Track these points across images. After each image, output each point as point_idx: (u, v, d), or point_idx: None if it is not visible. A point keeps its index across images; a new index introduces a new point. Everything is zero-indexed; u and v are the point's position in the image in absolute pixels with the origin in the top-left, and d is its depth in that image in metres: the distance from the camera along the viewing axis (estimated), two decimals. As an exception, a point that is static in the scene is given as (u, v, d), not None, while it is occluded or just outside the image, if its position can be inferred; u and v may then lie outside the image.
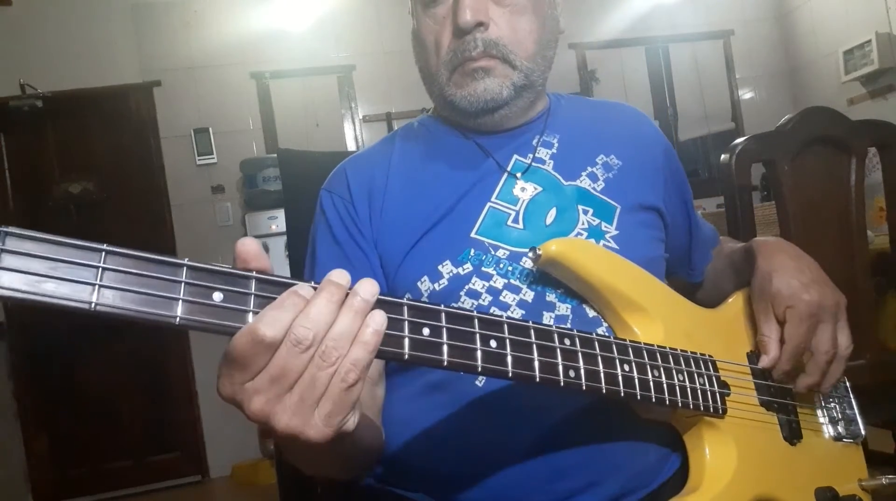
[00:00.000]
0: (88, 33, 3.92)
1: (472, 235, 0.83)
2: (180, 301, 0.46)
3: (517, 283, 0.81)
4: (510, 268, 0.81)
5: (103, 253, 0.44)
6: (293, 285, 0.50)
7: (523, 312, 0.79)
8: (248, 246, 0.50)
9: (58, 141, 3.92)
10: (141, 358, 3.86)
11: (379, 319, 0.50)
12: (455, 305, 0.79)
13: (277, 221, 3.70)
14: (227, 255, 4.00)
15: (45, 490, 3.76)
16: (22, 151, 3.90)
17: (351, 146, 4.25)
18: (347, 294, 0.50)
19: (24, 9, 3.82)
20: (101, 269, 0.44)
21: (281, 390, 0.48)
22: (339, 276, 0.50)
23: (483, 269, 0.81)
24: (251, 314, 0.48)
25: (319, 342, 0.48)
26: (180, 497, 3.79)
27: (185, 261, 0.47)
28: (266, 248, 3.70)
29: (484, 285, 0.81)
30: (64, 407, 3.77)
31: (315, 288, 0.50)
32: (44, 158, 3.89)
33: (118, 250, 0.45)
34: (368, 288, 0.51)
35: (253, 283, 0.49)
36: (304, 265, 0.94)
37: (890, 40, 3.92)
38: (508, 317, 0.60)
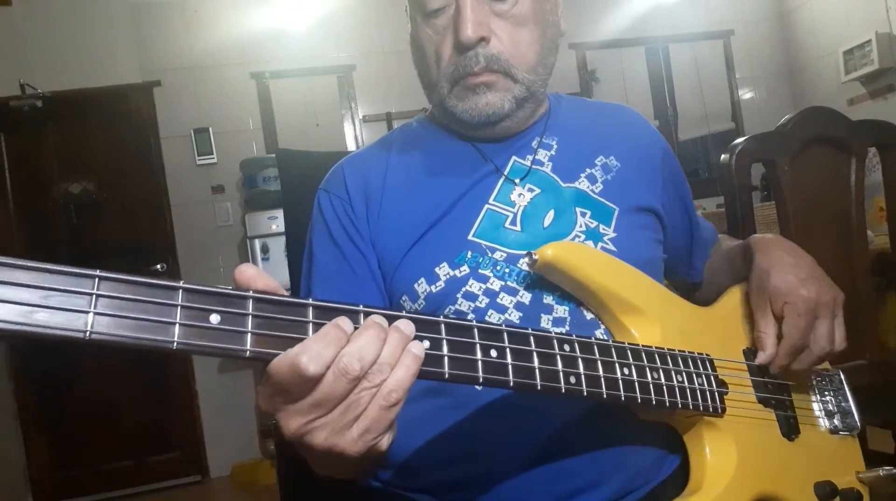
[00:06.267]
0: (88, 33, 3.91)
1: (470, 237, 0.83)
2: (177, 325, 0.45)
3: (514, 285, 0.80)
4: (507, 270, 0.81)
5: (97, 279, 0.43)
6: (293, 302, 0.50)
7: (521, 314, 0.79)
8: (245, 273, 0.50)
9: (58, 141, 3.91)
10: (141, 358, 3.84)
11: (420, 345, 0.53)
12: (452, 307, 0.80)
13: (277, 221, 3.69)
14: (227, 255, 4.01)
15: (45, 491, 3.76)
16: (22, 151, 3.89)
17: (351, 146, 4.25)
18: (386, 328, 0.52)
19: (24, 9, 3.81)
20: (94, 296, 0.43)
21: (322, 412, 0.50)
22: (381, 319, 0.52)
23: (480, 271, 0.81)
24: (249, 335, 0.48)
25: (366, 372, 0.50)
26: (180, 497, 3.79)
27: (181, 284, 0.46)
28: (266, 248, 3.69)
29: (481, 288, 0.80)
30: (64, 407, 3.77)
31: (348, 318, 0.51)
32: (44, 158, 3.88)
33: (111, 275, 0.44)
34: (408, 325, 0.53)
35: (250, 303, 0.48)
36: (302, 266, 0.93)
37: (890, 40, 3.92)
38: (507, 324, 0.60)
